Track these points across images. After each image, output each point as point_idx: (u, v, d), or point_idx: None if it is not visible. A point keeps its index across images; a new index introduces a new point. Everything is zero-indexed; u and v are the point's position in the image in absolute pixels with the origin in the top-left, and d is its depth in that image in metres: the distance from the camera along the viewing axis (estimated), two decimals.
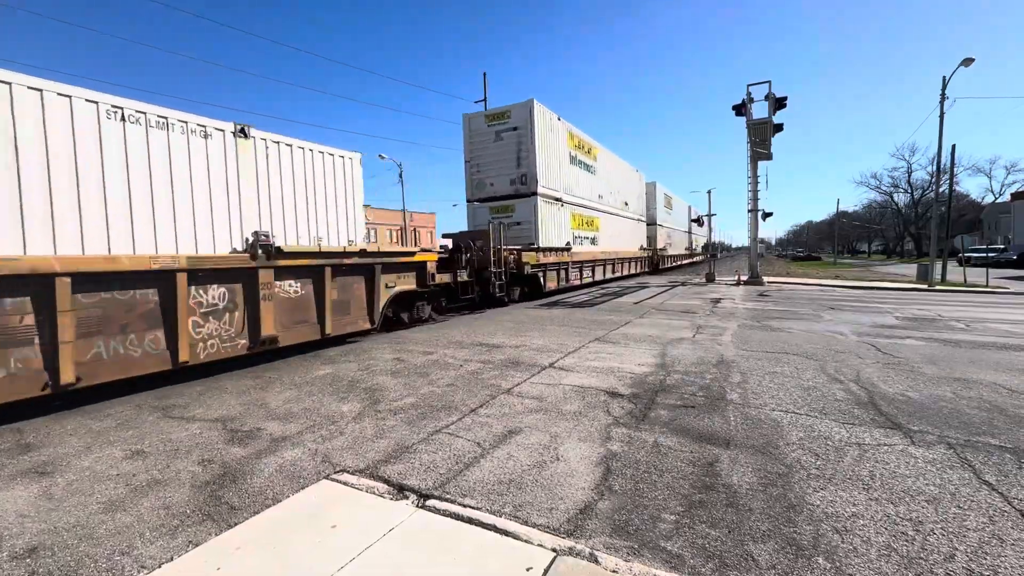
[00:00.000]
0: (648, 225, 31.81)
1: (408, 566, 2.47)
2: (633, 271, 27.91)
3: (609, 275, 23.23)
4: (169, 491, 3.37)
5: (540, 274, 15.47)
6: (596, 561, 2.47)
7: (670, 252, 37.94)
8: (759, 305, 14.11)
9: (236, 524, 2.92)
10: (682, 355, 7.25)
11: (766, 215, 24.74)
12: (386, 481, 3.43)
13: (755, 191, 23.09)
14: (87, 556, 2.65)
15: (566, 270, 17.67)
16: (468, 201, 16.95)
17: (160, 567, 2.54)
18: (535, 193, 15.48)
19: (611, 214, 23.52)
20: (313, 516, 2.97)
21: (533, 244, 15.22)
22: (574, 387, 5.63)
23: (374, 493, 3.26)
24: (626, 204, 26.16)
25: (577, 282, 18.91)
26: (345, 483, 3.41)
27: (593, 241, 20.99)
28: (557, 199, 17.14)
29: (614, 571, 2.39)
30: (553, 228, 16.74)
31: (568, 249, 17.58)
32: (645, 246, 29.98)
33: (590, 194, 20.49)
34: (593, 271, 20.73)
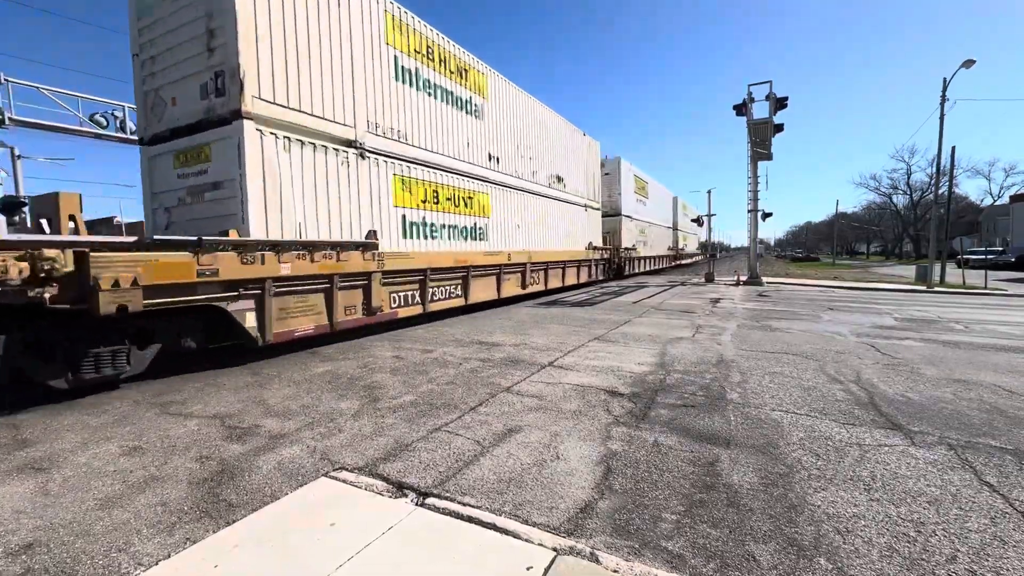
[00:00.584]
0: (608, 216, 23.21)
1: (407, 564, 2.46)
2: (573, 281, 18.31)
3: (513, 291, 13.82)
4: (166, 488, 3.35)
5: (233, 305, 6.38)
6: (597, 561, 2.45)
7: (644, 252, 29.25)
8: (758, 305, 14.11)
9: (234, 521, 2.90)
10: (682, 354, 7.24)
11: (766, 215, 24.77)
12: (385, 479, 3.41)
13: (755, 191, 23.11)
14: (83, 552, 2.63)
15: (366, 289, 8.45)
16: (141, 143, 8.09)
17: (157, 564, 2.51)
18: (241, 113, 6.73)
19: (520, 190, 14.41)
20: (312, 514, 2.95)
21: (236, 230, 6.81)
22: (574, 386, 5.61)
23: (373, 491, 3.24)
24: (559, 180, 17.23)
25: (404, 311, 9.60)
26: (344, 481, 3.39)
27: (474, 234, 12.13)
28: (347, 143, 8.42)
29: (615, 571, 2.37)
30: (296, 197, 7.55)
31: (372, 247, 8.50)
32: (598, 244, 20.99)
33: (461, 149, 11.64)
34: (464, 287, 11.56)
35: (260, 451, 3.93)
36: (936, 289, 19.75)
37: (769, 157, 23.25)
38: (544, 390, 5.46)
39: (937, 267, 22.68)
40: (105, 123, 15.49)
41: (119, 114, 15.86)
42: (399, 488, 3.28)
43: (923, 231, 57.72)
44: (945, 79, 21.36)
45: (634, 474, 3.42)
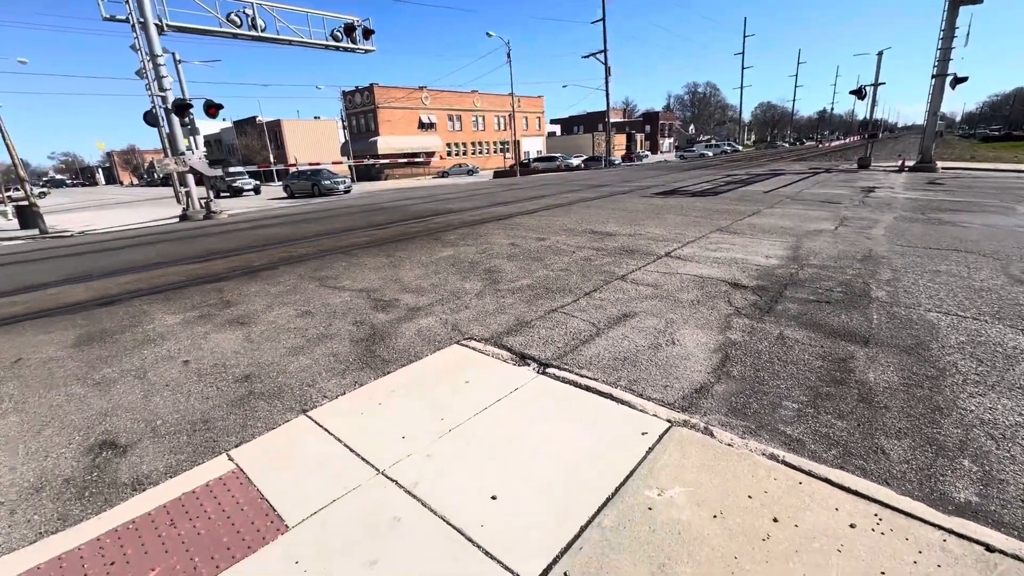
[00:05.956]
0: None
1: (533, 419, 2.80)
2: None
3: None
4: (334, 343, 4.07)
5: None
6: (711, 435, 2.57)
7: None
8: (926, 195, 11.88)
9: (388, 372, 3.48)
10: (819, 248, 6.54)
11: (957, 81, 19.57)
12: (509, 349, 3.77)
13: (947, 48, 18.16)
14: (285, 385, 3.39)
15: None
16: None
17: (337, 398, 3.17)
18: None
19: None
20: (449, 372, 3.43)
21: None
22: (692, 276, 5.44)
23: (499, 359, 3.62)
24: None
25: None
26: (474, 348, 3.82)
27: None
28: None
29: (729, 444, 2.48)
30: None
31: None
32: None
33: None
34: None
35: (402, 320, 4.54)
36: None
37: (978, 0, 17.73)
38: (660, 279, 5.39)
39: None
40: (239, 22, 16.49)
41: (249, 11, 16.70)
42: (521, 358, 3.63)
43: None
44: None
45: (754, 363, 3.37)
